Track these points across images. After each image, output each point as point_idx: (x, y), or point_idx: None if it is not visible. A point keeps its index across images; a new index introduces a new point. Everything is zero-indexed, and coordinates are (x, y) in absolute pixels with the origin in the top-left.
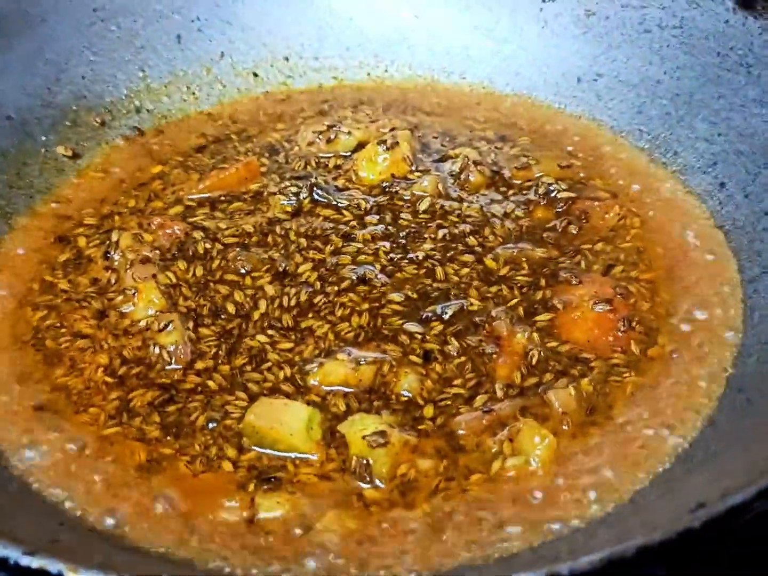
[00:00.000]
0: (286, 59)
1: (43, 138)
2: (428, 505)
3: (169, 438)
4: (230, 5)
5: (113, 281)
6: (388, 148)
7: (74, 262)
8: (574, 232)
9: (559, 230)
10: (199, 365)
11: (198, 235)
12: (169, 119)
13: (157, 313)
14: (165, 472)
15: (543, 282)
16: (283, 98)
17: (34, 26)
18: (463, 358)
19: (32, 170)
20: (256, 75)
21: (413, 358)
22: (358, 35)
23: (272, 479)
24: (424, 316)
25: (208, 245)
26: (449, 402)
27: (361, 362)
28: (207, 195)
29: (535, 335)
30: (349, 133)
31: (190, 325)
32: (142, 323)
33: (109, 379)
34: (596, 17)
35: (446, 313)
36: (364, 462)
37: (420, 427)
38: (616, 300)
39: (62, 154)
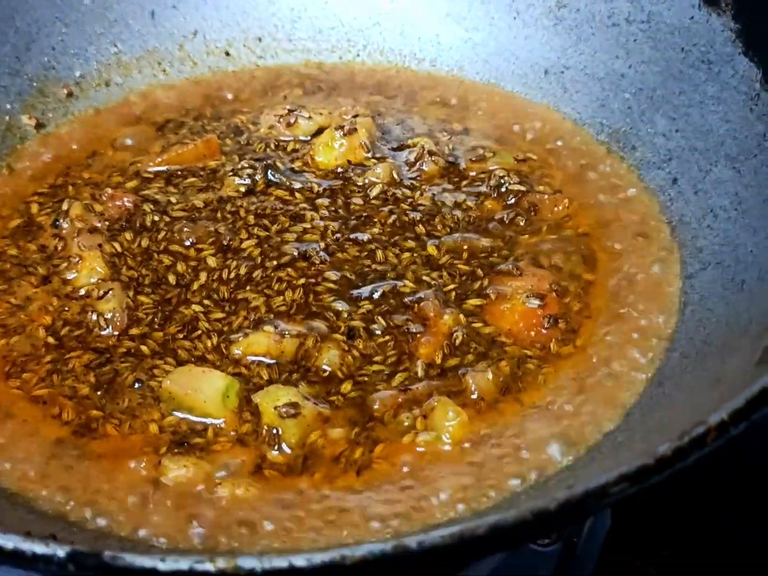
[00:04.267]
0: (259, 39)
1: (8, 106)
2: (322, 474)
3: (99, 393)
4: None
5: (60, 249)
6: (345, 134)
7: (24, 229)
8: (521, 224)
9: (507, 221)
10: (134, 331)
11: (148, 207)
12: (138, 94)
13: (99, 281)
14: (92, 432)
15: (480, 271)
16: (254, 79)
17: None
18: (387, 337)
19: None
20: (228, 54)
21: (336, 335)
22: (332, 18)
23: (185, 443)
24: (354, 295)
25: (156, 218)
26: (368, 378)
27: (286, 335)
28: (165, 168)
29: (462, 317)
30: (309, 117)
31: (131, 293)
32: (83, 290)
33: (51, 340)
34: (567, 9)
35: (377, 292)
36: (274, 431)
37: (333, 399)
38: (550, 297)
39: (26, 123)
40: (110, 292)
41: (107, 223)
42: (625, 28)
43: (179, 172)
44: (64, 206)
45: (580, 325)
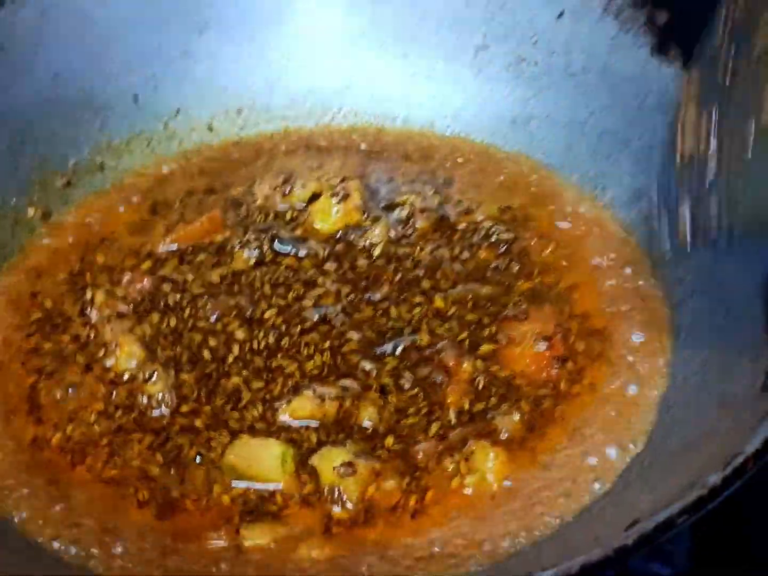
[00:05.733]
0: (239, 112)
1: (13, 202)
2: (384, 522)
3: (172, 471)
4: (183, 63)
5: (93, 336)
6: (340, 200)
7: (49, 322)
8: (516, 270)
9: (502, 269)
10: (184, 408)
11: (167, 287)
12: (133, 174)
13: (139, 364)
14: (173, 511)
15: (487, 319)
16: (239, 149)
17: None
18: (416, 389)
19: (5, 233)
20: (210, 129)
21: (370, 393)
22: (306, 85)
23: (255, 511)
24: (378, 353)
25: (177, 296)
26: (407, 431)
27: (325, 397)
28: (174, 247)
29: (479, 363)
30: (303, 185)
31: (171, 372)
32: (126, 375)
33: (107, 425)
34: (525, 63)
35: (398, 348)
36: (336, 490)
37: (379, 453)
38: (556, 339)
39: (32, 216)
40: (155, 373)
41: (131, 306)
42: (582, 77)
43: (189, 250)
44: (88, 295)
45: (586, 363)
